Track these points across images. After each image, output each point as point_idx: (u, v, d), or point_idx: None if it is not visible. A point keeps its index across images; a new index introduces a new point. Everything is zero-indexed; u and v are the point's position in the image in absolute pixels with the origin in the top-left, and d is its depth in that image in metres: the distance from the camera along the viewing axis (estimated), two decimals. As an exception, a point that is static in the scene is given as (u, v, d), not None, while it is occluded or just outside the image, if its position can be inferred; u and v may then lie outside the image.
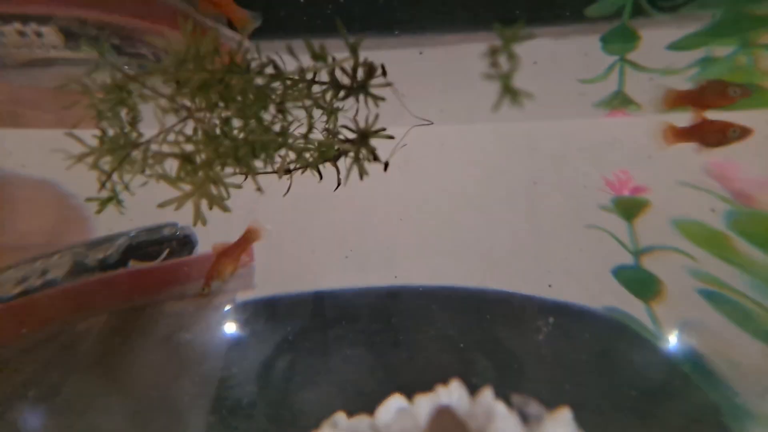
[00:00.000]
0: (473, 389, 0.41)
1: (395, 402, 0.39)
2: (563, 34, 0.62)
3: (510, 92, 0.32)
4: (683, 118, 0.65)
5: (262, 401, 0.51)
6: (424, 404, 0.37)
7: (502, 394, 0.40)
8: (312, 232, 0.57)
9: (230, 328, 0.58)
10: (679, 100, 0.63)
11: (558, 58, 0.62)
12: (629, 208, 0.66)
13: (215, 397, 0.50)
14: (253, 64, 0.42)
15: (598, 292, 0.60)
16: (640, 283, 0.61)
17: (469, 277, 0.56)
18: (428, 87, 0.53)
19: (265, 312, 0.59)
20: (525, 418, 0.36)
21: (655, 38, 0.65)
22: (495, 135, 0.57)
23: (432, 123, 0.47)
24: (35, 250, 0.58)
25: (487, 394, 0.37)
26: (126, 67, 0.57)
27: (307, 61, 0.45)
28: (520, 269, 0.57)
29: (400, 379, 0.47)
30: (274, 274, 0.64)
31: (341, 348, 0.54)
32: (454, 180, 0.57)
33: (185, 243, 0.62)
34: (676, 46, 0.65)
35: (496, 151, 0.58)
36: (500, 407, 0.36)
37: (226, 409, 0.50)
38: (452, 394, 0.38)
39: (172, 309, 0.57)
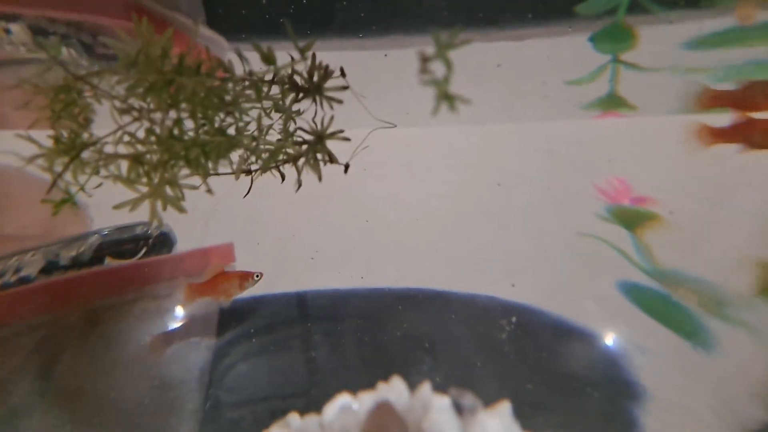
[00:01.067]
0: (438, 386, 0.42)
1: (341, 400, 0.40)
2: (552, 33, 0.60)
3: (446, 98, 0.31)
4: (677, 121, 0.62)
5: (223, 403, 0.51)
6: (367, 401, 0.39)
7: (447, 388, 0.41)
8: (279, 233, 0.56)
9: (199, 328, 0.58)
10: (716, 101, 0.58)
11: (546, 58, 0.60)
12: (631, 219, 0.63)
13: (174, 399, 0.51)
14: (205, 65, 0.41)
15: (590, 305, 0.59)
16: (664, 307, 0.57)
17: (435, 278, 0.55)
18: (394, 89, 0.52)
19: (240, 312, 0.59)
20: (460, 409, 0.37)
21: (662, 36, 0.62)
22: (467, 137, 0.56)
23: (395, 126, 0.46)
24: (33, 240, 0.59)
25: (425, 389, 0.38)
26: (95, 66, 0.57)
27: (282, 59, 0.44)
28: (485, 272, 0.56)
29: (363, 378, 0.46)
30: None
31: (306, 348, 0.54)
32: (423, 182, 0.57)
33: (164, 241, 0.62)
34: (699, 43, 0.61)
35: (467, 153, 0.57)
36: (437, 400, 0.37)
37: (187, 411, 0.50)
38: (392, 389, 0.39)
39: (145, 307, 0.57)
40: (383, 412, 0.36)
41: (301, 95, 0.43)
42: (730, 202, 0.59)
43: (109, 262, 0.59)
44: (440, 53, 0.30)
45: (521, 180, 0.58)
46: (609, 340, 0.55)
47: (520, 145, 0.58)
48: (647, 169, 0.64)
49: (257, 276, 0.53)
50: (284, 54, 0.41)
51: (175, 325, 0.58)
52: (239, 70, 0.42)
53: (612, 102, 0.65)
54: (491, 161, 0.57)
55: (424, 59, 0.29)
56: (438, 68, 0.32)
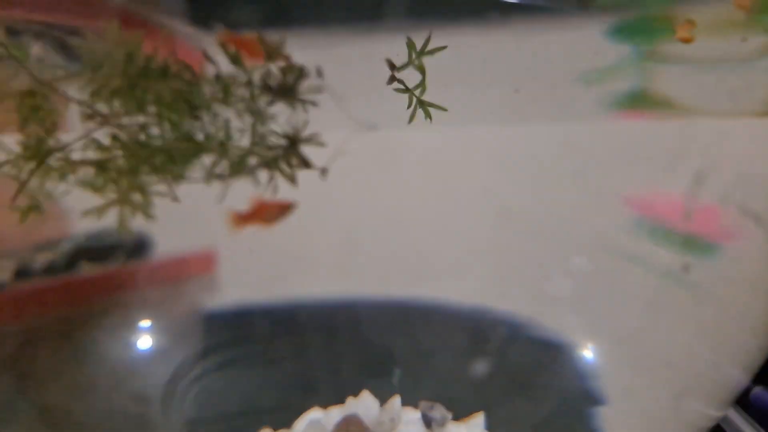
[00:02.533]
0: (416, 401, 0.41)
1: (311, 414, 0.39)
2: (568, 24, 0.55)
3: (421, 106, 0.30)
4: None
5: (197, 418, 0.50)
6: (335, 415, 0.38)
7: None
8: (256, 240, 0.55)
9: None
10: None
11: (561, 52, 0.55)
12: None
13: (147, 414, 0.49)
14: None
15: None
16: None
17: (422, 287, 0.54)
18: (377, 90, 0.51)
19: (223, 320, 0.58)
20: (429, 422, 0.37)
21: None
22: (463, 140, 0.54)
23: (376, 127, 0.45)
24: (7, 245, 0.58)
25: (395, 402, 0.38)
26: (69, 65, 0.55)
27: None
28: (474, 281, 0.55)
29: (339, 392, 0.45)
30: (236, 282, 0.62)
31: (283, 361, 0.52)
32: (415, 189, 0.55)
33: (140, 247, 0.60)
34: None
35: (461, 157, 0.55)
36: (406, 413, 0.36)
37: (160, 426, 0.49)
38: (361, 403, 0.39)
39: (120, 316, 0.56)
40: (350, 425, 0.35)
41: (273, 98, 0.42)
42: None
43: (84, 268, 0.58)
44: (413, 61, 0.28)
45: (528, 186, 0.56)
46: (592, 354, 0.54)
47: (526, 148, 0.55)
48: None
49: (291, 207, 0.52)
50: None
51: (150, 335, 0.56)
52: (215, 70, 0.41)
53: (639, 99, 0.58)
54: (493, 165, 0.55)
55: (392, 67, 0.28)
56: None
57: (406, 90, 0.27)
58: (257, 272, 0.58)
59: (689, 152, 0.55)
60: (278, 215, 0.52)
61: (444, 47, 0.28)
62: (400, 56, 0.49)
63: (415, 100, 0.26)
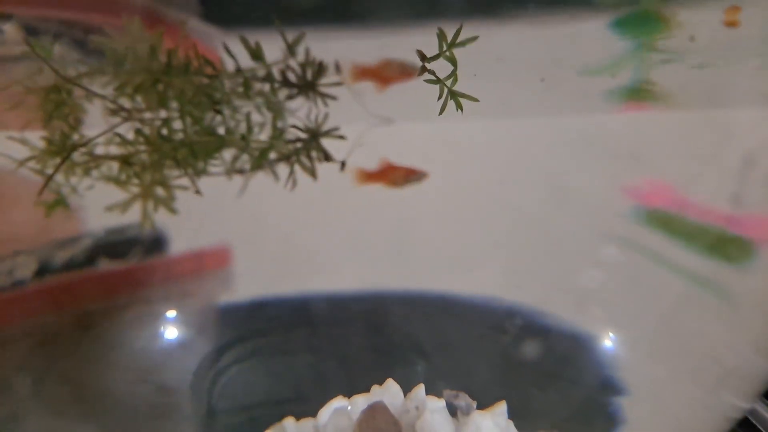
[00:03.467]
0: (436, 390, 0.41)
1: (336, 403, 0.39)
2: (571, 18, 0.56)
3: (452, 98, 0.30)
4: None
5: (220, 409, 0.50)
6: (361, 403, 0.38)
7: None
8: (277, 233, 0.55)
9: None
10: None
11: (565, 45, 0.56)
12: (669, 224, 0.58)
13: (171, 405, 0.50)
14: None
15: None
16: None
17: (439, 280, 0.54)
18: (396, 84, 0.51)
19: (237, 316, 0.58)
20: (454, 410, 0.37)
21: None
22: (473, 133, 0.55)
23: (393, 121, 0.45)
24: (26, 242, 0.58)
25: (419, 391, 0.38)
26: (88, 62, 0.56)
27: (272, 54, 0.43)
28: (490, 273, 0.55)
29: (361, 383, 0.45)
30: (253, 276, 0.63)
31: (304, 353, 0.53)
32: (427, 180, 0.55)
33: (157, 243, 0.61)
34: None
35: (472, 149, 0.55)
36: (431, 402, 0.37)
37: (184, 417, 0.49)
38: (386, 392, 0.39)
39: (139, 310, 0.56)
40: (376, 412, 0.35)
41: (293, 92, 0.42)
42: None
43: (103, 263, 0.58)
44: (444, 52, 0.29)
45: (534, 178, 0.56)
46: (611, 342, 0.54)
47: (533, 141, 0.56)
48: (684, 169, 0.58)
49: (420, 175, 0.52)
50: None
51: (168, 330, 0.57)
52: (232, 65, 0.41)
53: (638, 93, 0.60)
54: (499, 158, 0.55)
55: (423, 58, 0.28)
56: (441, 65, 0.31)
57: (438, 81, 0.27)
58: (272, 266, 0.59)
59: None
60: (405, 180, 0.52)
61: (476, 37, 0.28)
62: (398, 52, 0.49)
63: (446, 90, 0.26)
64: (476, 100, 0.28)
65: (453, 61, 0.27)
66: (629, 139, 0.60)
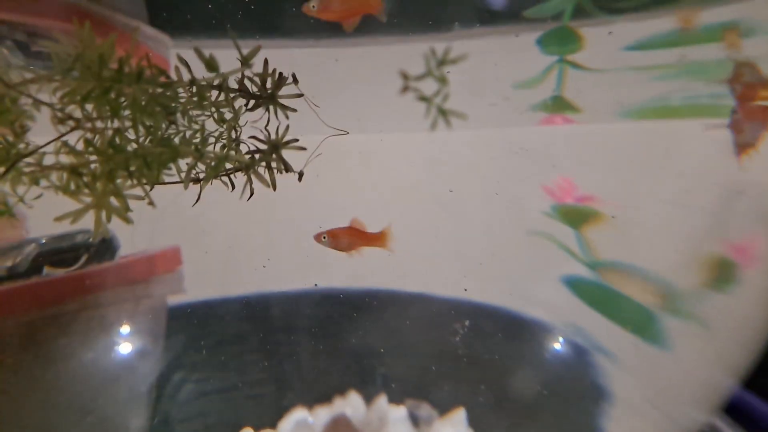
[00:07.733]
0: (394, 394, 0.41)
1: (296, 414, 0.39)
2: (499, 34, 0.59)
3: (441, 114, 0.30)
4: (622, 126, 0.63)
5: (172, 418, 0.49)
6: (323, 415, 0.38)
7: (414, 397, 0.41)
8: (229, 240, 0.55)
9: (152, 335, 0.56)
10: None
11: (493, 61, 0.59)
12: (575, 216, 0.64)
13: (120, 415, 0.49)
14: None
15: (542, 299, 0.59)
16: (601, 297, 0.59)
17: (389, 282, 0.55)
18: (345, 95, 0.51)
19: (193, 317, 0.57)
20: (416, 420, 0.37)
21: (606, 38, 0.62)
22: (415, 143, 0.56)
23: (347, 132, 0.46)
24: None
25: (382, 401, 0.39)
26: (31, 67, 0.53)
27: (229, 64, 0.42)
28: (439, 274, 0.57)
29: (319, 388, 0.46)
30: (202, 278, 0.62)
31: (259, 358, 0.53)
32: (376, 189, 0.56)
33: (106, 249, 0.59)
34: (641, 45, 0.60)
35: (417, 159, 0.57)
36: (393, 412, 0.37)
37: (134, 428, 0.48)
38: (348, 403, 0.39)
39: (88, 318, 0.54)
40: (339, 426, 0.36)
41: (252, 103, 0.41)
42: (676, 200, 0.60)
43: (48, 271, 0.56)
44: (432, 71, 0.29)
45: (471, 185, 0.58)
46: (562, 340, 0.56)
47: (470, 151, 0.58)
48: (592, 172, 0.65)
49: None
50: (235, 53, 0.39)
51: (120, 335, 0.55)
52: (186, 75, 0.40)
53: (558, 105, 0.65)
54: (441, 167, 0.57)
55: (406, 77, 0.28)
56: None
57: (425, 99, 0.27)
58: (222, 269, 0.58)
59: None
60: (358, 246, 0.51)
61: (465, 56, 0.29)
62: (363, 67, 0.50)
63: (434, 107, 0.27)
64: (465, 117, 0.28)
65: (443, 80, 0.28)
66: (549, 146, 0.64)
